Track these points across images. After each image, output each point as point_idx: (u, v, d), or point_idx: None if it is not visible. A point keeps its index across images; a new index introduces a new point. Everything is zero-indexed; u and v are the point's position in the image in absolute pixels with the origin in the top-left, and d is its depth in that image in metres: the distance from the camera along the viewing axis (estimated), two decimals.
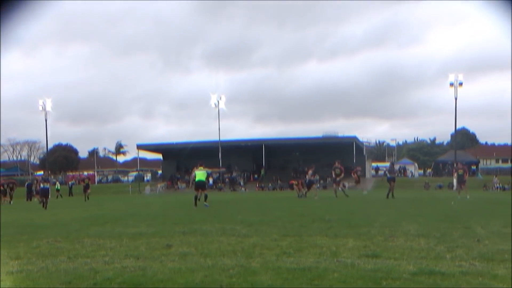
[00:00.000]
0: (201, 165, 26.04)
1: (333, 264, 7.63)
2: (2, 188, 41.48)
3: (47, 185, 30.99)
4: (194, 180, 25.04)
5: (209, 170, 27.85)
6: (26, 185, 50.10)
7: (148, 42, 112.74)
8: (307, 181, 30.57)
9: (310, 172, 30.53)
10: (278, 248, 9.28)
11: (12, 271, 7.50)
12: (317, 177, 29.70)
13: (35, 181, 33.93)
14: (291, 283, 6.41)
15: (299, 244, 9.79)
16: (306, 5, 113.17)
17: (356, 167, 45.80)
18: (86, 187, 42.73)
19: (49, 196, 30.82)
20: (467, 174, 31.31)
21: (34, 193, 45.35)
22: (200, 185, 24.64)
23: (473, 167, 69.62)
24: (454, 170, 32.91)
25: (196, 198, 23.85)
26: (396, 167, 67.43)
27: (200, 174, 24.75)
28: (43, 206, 27.67)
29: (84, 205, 22.99)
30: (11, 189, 41.83)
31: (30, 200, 45.08)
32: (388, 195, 28.73)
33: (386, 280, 6.40)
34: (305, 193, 31.22)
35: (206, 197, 23.90)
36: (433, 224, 12.89)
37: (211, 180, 62.40)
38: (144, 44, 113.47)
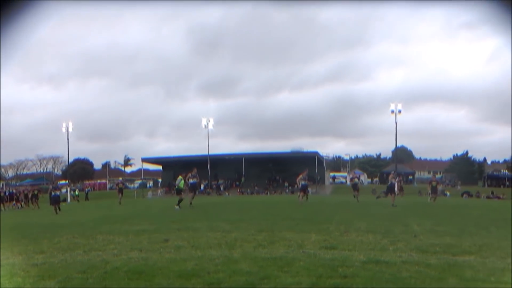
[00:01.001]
0: (180, 175, 26.25)
1: (299, 254, 7.64)
2: (28, 194, 40.92)
3: (58, 193, 29.57)
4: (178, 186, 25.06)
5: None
6: (49, 192, 49.31)
7: (153, 77, 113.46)
8: (301, 186, 27.39)
9: (301, 176, 27.78)
10: (254, 241, 9.29)
11: (37, 263, 7.36)
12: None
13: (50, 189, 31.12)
14: (265, 270, 6.38)
15: (271, 238, 9.80)
16: (280, 47, 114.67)
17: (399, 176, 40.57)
18: (120, 191, 38.47)
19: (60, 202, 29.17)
20: (438, 185, 30.26)
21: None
22: (179, 192, 24.91)
23: (410, 177, 70.64)
24: (429, 182, 30.46)
25: (180, 201, 23.47)
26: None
27: (180, 183, 25.07)
28: (55, 211, 26.60)
29: (97, 207, 22.59)
30: (36, 196, 40.84)
31: (52, 204, 44.07)
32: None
33: (342, 267, 6.40)
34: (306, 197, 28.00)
35: (179, 201, 23.64)
36: (379, 223, 12.94)
37: (202, 186, 62.30)
38: (150, 78, 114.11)
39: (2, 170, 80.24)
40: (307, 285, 5.47)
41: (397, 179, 29.03)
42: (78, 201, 49.27)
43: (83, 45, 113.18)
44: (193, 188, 25.20)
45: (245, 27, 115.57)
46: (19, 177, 78.20)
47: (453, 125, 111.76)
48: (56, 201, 28.09)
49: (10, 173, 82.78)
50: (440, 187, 56.43)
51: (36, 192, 41.43)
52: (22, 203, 40.52)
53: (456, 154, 76.16)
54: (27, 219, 21.71)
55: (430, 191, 29.98)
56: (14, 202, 40.09)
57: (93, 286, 5.68)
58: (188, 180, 24.65)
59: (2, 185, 67.09)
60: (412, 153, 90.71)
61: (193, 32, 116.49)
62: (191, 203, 23.86)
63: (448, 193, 55.65)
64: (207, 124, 65.52)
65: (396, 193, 26.12)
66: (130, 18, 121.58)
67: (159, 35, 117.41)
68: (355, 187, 32.20)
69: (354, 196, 30.17)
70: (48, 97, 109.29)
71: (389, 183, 26.86)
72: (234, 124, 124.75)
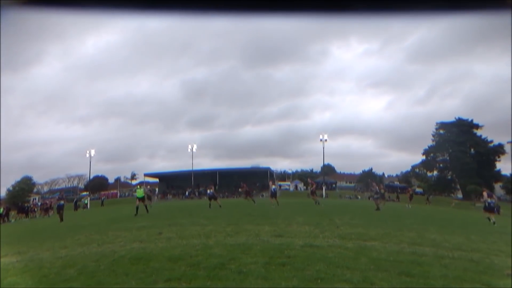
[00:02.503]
0: (140, 185, 23.04)
1: (257, 241, 7.53)
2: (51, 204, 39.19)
3: (62, 202, 24.14)
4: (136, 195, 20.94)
5: (144, 188, 22.42)
6: (73, 201, 47.93)
7: (155, 116, 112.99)
8: (272, 191, 24.44)
9: (272, 185, 25.29)
10: (224, 232, 9.10)
11: (61, 256, 6.97)
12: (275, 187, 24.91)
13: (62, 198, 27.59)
14: (232, 253, 6.27)
15: (237, 229, 9.62)
16: (246, 95, 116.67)
17: (408, 189, 35.82)
18: (148, 198, 30.73)
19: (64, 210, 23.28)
20: (385, 192, 24.64)
21: (76, 207, 43.42)
22: (140, 199, 20.28)
23: (334, 185, 71.76)
24: (377, 188, 22.37)
25: (137, 208, 19.06)
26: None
27: (139, 192, 20.86)
28: (60, 219, 20.91)
29: (109, 211, 21.86)
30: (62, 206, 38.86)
31: (76, 210, 42.37)
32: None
33: (287, 250, 6.35)
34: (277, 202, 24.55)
35: (146, 207, 19.85)
36: (312, 218, 12.93)
37: (187, 192, 61.51)
38: (152, 117, 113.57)
39: (39, 187, 77.58)
40: (262, 263, 5.40)
41: (383, 188, 23.78)
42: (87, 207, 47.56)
43: (106, 95, 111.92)
44: (149, 197, 23.47)
45: (222, 81, 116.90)
46: (51, 192, 75.51)
47: (362, 149, 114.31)
48: (60, 209, 22.81)
49: (45, 188, 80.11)
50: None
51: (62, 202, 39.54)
52: (51, 211, 38.70)
53: (364, 170, 77.86)
54: (55, 223, 20.67)
55: (374, 197, 23.85)
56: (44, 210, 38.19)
57: (104, 271, 5.40)
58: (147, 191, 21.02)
59: (38, 198, 64.74)
60: (334, 168, 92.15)
61: (185, 84, 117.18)
62: (147, 211, 19.49)
63: (359, 197, 56.72)
64: (192, 148, 65.88)
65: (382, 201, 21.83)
66: (141, 76, 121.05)
67: (160, 87, 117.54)
68: (272, 194, 26.01)
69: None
70: (78, 133, 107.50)
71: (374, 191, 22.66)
72: (212, 148, 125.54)
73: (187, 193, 61.86)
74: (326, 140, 61.06)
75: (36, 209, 38.98)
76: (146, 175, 73.47)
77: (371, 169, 78.54)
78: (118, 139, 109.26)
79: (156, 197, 62.98)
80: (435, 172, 65.92)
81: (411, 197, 31.05)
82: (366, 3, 1.96)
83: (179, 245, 7.31)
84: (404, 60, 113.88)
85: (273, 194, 24.42)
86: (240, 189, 25.17)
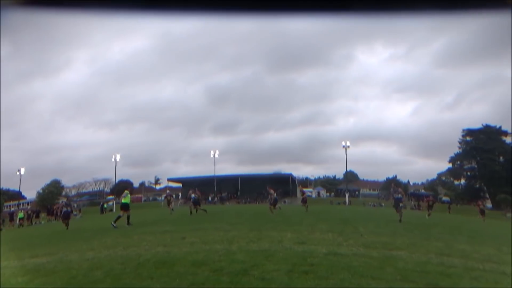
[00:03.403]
0: (126, 189, 19.42)
1: (279, 248, 7.45)
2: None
3: (69, 209, 21.32)
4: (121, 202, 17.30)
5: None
6: (100, 204, 49.07)
7: (179, 121, 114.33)
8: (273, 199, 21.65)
9: (272, 191, 22.57)
10: (247, 238, 9.05)
11: (88, 258, 7.12)
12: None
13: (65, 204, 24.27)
14: (254, 259, 6.21)
15: (259, 235, 9.55)
16: (269, 100, 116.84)
17: (429, 197, 31.33)
18: (169, 202, 30.59)
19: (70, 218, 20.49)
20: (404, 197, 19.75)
21: (102, 211, 44.28)
22: (124, 207, 16.70)
23: (357, 193, 70.73)
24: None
25: (118, 217, 15.79)
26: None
27: (126, 198, 17.26)
28: (66, 227, 18.43)
29: (134, 216, 22.10)
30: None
31: (102, 213, 43.30)
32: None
33: (310, 258, 6.25)
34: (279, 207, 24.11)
35: (128, 217, 15.90)
36: (336, 225, 12.74)
37: (210, 197, 61.86)
38: (177, 122, 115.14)
39: (68, 190, 79.98)
40: (285, 271, 5.33)
41: (399, 192, 17.75)
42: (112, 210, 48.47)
43: (132, 100, 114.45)
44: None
45: (246, 86, 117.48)
46: (79, 195, 77.72)
47: (387, 156, 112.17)
48: (66, 217, 19.95)
49: (73, 192, 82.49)
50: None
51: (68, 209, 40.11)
52: (80, 214, 40.00)
53: (388, 177, 76.34)
54: (83, 225, 21.17)
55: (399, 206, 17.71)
56: (74, 213, 39.35)
57: (129, 274, 5.47)
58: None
59: (66, 200, 66.94)
60: (357, 175, 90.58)
61: (209, 90, 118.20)
62: (128, 223, 15.51)
63: (383, 204, 55.49)
64: (214, 154, 66.37)
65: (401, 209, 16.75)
66: (165, 81, 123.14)
67: (185, 92, 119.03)
68: (303, 200, 26.66)
69: (306, 207, 25.11)
70: (105, 137, 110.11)
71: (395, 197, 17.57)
72: (235, 153, 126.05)
73: (210, 198, 62.21)
74: (348, 146, 60.31)
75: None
76: (169, 180, 74.82)
77: (396, 176, 76.82)
78: (143, 144, 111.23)
79: (178, 202, 63.82)
80: (462, 181, 63.91)
81: (430, 206, 27.77)
82: (387, 6, 1.95)
83: (202, 250, 7.33)
84: (431, 65, 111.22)
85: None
86: (269, 195, 23.11)
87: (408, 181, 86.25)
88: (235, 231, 10.78)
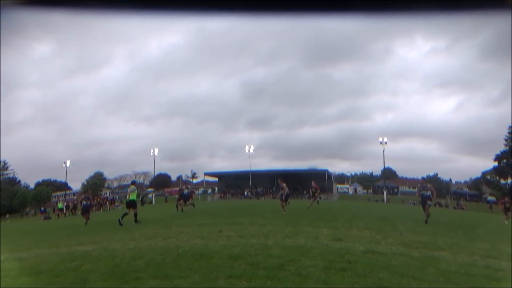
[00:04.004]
0: (133, 184, 16.86)
1: (316, 244, 7.38)
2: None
3: (88, 202, 19.84)
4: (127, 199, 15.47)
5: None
6: (140, 197, 50.77)
7: (215, 116, 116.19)
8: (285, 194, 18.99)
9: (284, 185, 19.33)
10: (283, 233, 9.02)
11: (130, 247, 7.39)
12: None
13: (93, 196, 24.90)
14: (291, 254, 6.18)
15: (295, 231, 9.50)
16: (305, 95, 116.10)
17: (504, 199, 24.62)
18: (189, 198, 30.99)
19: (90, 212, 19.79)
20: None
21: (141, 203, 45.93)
22: (131, 204, 14.90)
23: (395, 190, 68.75)
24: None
25: (125, 214, 14.36)
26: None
27: (133, 194, 15.36)
28: (86, 221, 17.48)
29: (173, 208, 22.69)
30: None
31: (142, 205, 44.85)
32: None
33: (347, 255, 6.13)
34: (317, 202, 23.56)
35: (135, 215, 14.35)
36: (373, 223, 12.44)
37: (245, 192, 62.43)
38: (213, 117, 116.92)
39: (110, 182, 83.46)
40: (322, 267, 5.27)
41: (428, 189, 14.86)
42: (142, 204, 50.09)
43: (169, 95, 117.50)
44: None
45: (281, 81, 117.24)
46: (121, 187, 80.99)
47: (427, 153, 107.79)
48: (86, 210, 18.87)
49: (115, 184, 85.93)
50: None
51: (88, 202, 41.18)
52: (122, 205, 41.66)
53: (428, 175, 73.45)
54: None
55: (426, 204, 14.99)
56: (116, 204, 41.09)
57: (169, 264, 5.64)
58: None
59: (109, 193, 69.80)
60: (396, 172, 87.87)
61: (244, 85, 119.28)
62: (136, 221, 14.11)
63: (430, 203, 53.52)
64: (249, 149, 66.76)
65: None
66: (201, 77, 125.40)
67: (220, 87, 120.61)
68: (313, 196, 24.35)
69: (316, 201, 23.78)
70: (144, 132, 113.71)
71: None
72: (270, 148, 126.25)
73: (245, 193, 62.78)
74: (386, 142, 58.70)
75: (106, 203, 42.12)
76: (206, 174, 76.17)
77: (437, 174, 74.11)
78: (180, 139, 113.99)
79: (215, 196, 64.90)
80: (510, 180, 60.28)
81: (508, 209, 21.38)
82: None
83: (239, 244, 7.40)
84: (475, 58, 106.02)
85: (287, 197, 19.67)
86: (280, 189, 20.38)
87: (450, 179, 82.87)
88: (271, 226, 10.79)
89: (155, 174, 73.76)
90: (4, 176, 74.20)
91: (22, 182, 76.25)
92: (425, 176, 72.05)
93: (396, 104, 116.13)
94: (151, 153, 64.34)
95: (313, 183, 23.46)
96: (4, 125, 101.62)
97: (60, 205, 38.58)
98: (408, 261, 5.86)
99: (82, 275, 5.21)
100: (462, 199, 57.31)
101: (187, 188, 23.68)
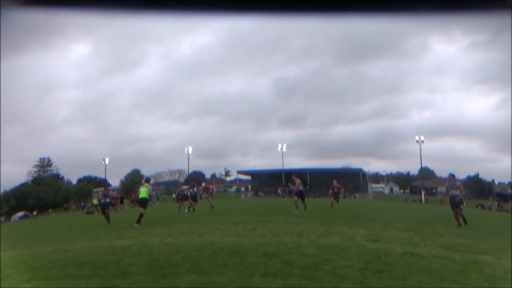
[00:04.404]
0: (147, 181, 16.23)
1: (351, 244, 7.24)
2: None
3: (107, 200, 18.04)
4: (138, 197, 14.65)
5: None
6: (176, 193, 51.99)
7: (248, 114, 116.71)
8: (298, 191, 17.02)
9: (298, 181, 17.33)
10: (317, 232, 8.93)
11: (168, 243, 7.59)
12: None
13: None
14: (325, 254, 6.10)
15: (329, 230, 9.39)
16: (338, 93, 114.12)
17: None
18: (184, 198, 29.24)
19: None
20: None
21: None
22: (143, 203, 13.78)
23: (434, 190, 66.37)
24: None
25: (141, 216, 12.91)
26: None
27: (143, 191, 14.19)
28: (107, 220, 15.94)
29: (207, 204, 23.02)
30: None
31: (178, 202, 45.82)
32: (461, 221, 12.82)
33: (384, 256, 5.97)
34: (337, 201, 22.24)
35: (141, 216, 12.91)
36: (411, 224, 12.08)
37: (279, 191, 62.33)
38: (246, 115, 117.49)
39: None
40: (358, 268, 5.17)
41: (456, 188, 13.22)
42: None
43: (202, 94, 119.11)
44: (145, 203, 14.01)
45: (314, 78, 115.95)
46: (157, 184, 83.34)
47: (468, 153, 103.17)
48: (105, 207, 16.92)
49: (152, 181, 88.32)
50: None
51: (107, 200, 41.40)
52: (158, 202, 42.95)
53: (469, 175, 70.08)
54: (159, 213, 22.46)
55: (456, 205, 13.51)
56: (153, 200, 42.25)
57: (205, 260, 5.74)
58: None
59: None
60: (434, 172, 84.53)
61: (276, 82, 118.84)
62: (137, 222, 12.71)
63: (464, 204, 51.31)
64: (282, 147, 66.66)
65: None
66: (233, 75, 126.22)
67: (252, 85, 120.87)
68: (335, 195, 22.93)
69: (332, 203, 22.34)
70: (178, 130, 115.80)
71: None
72: (303, 147, 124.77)
73: (278, 191, 62.71)
74: (423, 141, 56.65)
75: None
76: (239, 172, 76.93)
77: (478, 174, 70.46)
78: (213, 137, 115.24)
79: (248, 194, 65.30)
80: None
81: None
82: None
83: (273, 242, 7.41)
84: None
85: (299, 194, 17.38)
86: (332, 189, 20.64)
87: (493, 180, 78.50)
88: (305, 224, 10.72)
89: (190, 172, 75.28)
90: (48, 173, 78.42)
91: (65, 178, 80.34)
92: (466, 177, 69.19)
93: (434, 102, 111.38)
94: (185, 151, 65.73)
95: (335, 182, 21.97)
96: (47, 124, 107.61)
97: (95, 201, 39.86)
98: (450, 264, 5.63)
99: (123, 268, 5.42)
100: (503, 200, 54.31)
101: (192, 187, 22.95)
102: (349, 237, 8.17)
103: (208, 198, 23.29)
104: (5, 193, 64.90)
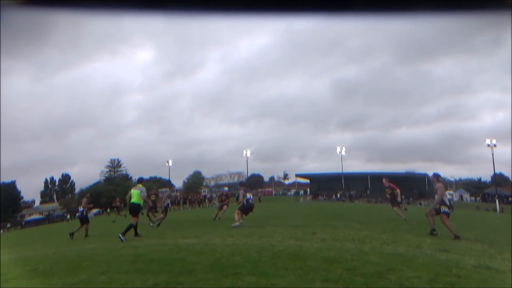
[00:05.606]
0: (140, 182, 12.39)
1: (418, 253, 6.82)
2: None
3: (168, 202, 16.65)
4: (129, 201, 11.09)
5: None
6: (235, 196, 52.92)
7: (306, 116, 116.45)
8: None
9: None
10: (380, 239, 8.55)
11: (229, 244, 7.74)
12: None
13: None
14: (390, 263, 5.81)
15: (393, 238, 8.94)
16: (400, 94, 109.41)
17: None
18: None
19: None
20: None
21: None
22: (134, 210, 10.76)
23: (510, 199, 60.66)
24: None
25: (135, 227, 10.44)
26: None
27: (135, 194, 10.99)
28: (159, 224, 14.83)
29: (266, 208, 23.15)
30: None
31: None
32: None
33: (455, 268, 5.55)
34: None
35: (129, 227, 10.14)
36: (484, 234, 11.13)
37: (338, 195, 60.93)
38: (304, 117, 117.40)
39: (207, 181, 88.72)
40: (426, 280, 4.86)
41: None
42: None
43: (260, 96, 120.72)
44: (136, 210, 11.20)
45: (374, 79, 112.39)
46: (217, 186, 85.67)
47: None
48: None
49: (212, 183, 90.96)
50: None
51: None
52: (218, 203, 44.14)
53: None
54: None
55: None
56: (214, 201, 43.73)
57: (265, 263, 5.78)
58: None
59: (207, 191, 74.32)
60: (509, 179, 77.39)
61: (335, 84, 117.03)
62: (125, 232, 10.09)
63: None
64: (341, 150, 65.09)
65: None
66: (291, 77, 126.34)
67: (310, 87, 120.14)
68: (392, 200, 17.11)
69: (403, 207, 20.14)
70: (237, 133, 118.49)
71: None
72: (363, 150, 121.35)
73: (338, 195, 61.35)
74: (495, 145, 51.79)
75: (206, 200, 45.19)
76: (297, 175, 76.44)
77: None
78: (271, 140, 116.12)
79: (307, 198, 64.62)
80: None
81: None
82: None
83: (334, 247, 7.24)
84: None
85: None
86: (385, 191, 16.49)
87: None
88: (366, 230, 10.35)
89: (249, 175, 76.36)
90: (118, 173, 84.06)
91: (133, 178, 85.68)
92: None
93: (508, 102, 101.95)
94: (244, 154, 66.84)
95: (385, 181, 16.39)
96: (116, 127, 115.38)
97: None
98: None
99: (188, 266, 5.64)
100: None
101: (243, 190, 14.36)
102: (415, 246, 7.72)
103: (221, 208, 17.90)
104: (81, 191, 70.65)
